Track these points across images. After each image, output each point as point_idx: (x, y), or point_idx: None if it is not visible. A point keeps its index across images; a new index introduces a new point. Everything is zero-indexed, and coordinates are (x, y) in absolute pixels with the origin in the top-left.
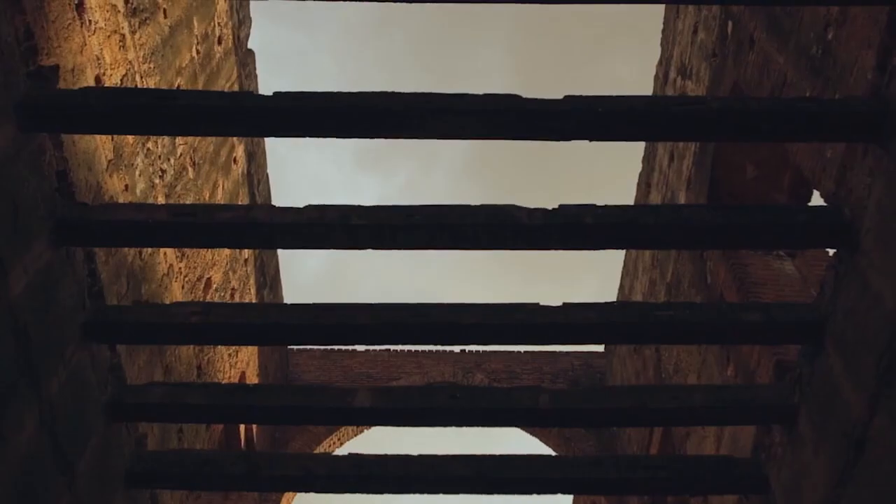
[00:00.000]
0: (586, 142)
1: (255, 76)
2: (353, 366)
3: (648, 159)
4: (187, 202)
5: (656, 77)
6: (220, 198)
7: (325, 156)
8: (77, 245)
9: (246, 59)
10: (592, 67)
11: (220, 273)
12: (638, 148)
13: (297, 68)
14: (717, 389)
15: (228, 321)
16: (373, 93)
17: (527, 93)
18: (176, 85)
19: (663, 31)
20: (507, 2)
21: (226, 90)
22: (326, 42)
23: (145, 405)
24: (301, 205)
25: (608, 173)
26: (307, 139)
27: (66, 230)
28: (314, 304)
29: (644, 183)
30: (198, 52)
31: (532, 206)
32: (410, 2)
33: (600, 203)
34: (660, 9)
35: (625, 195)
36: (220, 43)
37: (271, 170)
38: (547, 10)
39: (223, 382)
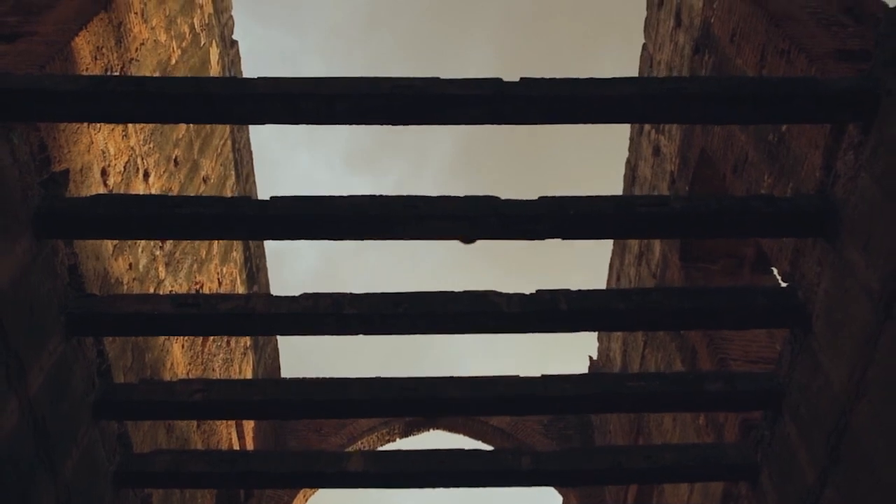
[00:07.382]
0: (573, 128)
1: (247, 127)
2: None
3: (629, 189)
4: (185, 265)
5: (632, 125)
6: (214, 252)
7: (315, 157)
8: (87, 335)
9: None
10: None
11: None
12: (623, 138)
13: (286, 70)
14: (686, 448)
15: (228, 398)
16: (362, 198)
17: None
18: (174, 156)
19: None
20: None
21: (219, 148)
22: (315, 43)
23: (150, 473)
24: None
25: (594, 163)
26: (302, 139)
27: (77, 323)
28: (308, 379)
29: None
30: None
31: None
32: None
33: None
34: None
35: (611, 187)
36: None
37: (263, 170)
38: (535, 8)
39: (223, 450)
